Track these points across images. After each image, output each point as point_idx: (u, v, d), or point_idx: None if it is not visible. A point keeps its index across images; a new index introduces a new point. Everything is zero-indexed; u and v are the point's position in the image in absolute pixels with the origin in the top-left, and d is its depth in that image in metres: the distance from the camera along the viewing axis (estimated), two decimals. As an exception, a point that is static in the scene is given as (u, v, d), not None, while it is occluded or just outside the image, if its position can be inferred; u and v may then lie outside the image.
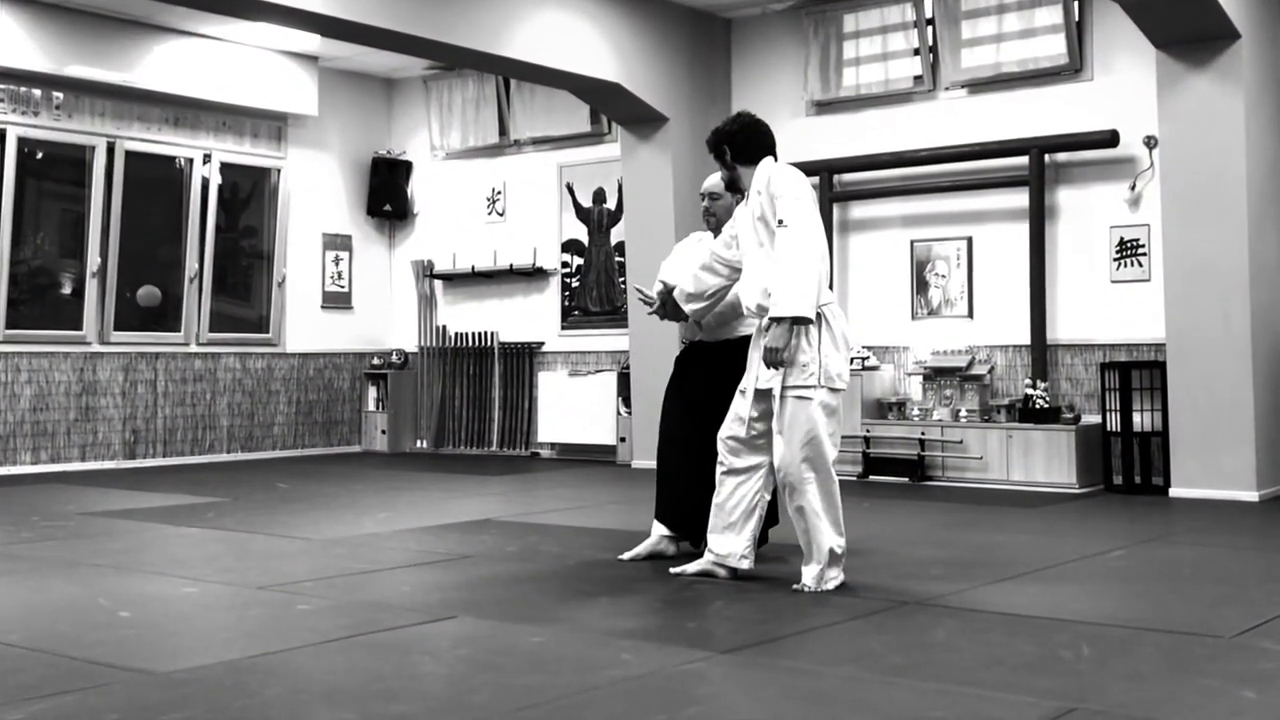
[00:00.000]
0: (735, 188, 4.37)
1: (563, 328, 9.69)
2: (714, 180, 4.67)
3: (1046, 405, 7.31)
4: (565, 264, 9.68)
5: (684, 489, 4.65)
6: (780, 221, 4.03)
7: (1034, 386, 7.39)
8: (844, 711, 2.73)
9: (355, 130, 10.41)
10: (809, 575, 4.09)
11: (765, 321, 4.14)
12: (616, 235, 9.37)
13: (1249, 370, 6.62)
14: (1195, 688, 2.89)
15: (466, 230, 10.19)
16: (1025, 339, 7.73)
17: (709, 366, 4.71)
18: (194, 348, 9.36)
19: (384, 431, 10.22)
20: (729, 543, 4.26)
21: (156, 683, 2.94)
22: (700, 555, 4.43)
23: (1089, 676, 2.98)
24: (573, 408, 9.28)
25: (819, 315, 4.11)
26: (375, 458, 9.76)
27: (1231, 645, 3.31)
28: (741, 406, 4.25)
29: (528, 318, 9.87)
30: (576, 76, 7.87)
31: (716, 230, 4.64)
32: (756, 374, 4.19)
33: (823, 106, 8.61)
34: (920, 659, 3.16)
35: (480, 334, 10.07)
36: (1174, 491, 6.78)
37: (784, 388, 4.07)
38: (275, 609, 3.81)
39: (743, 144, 4.29)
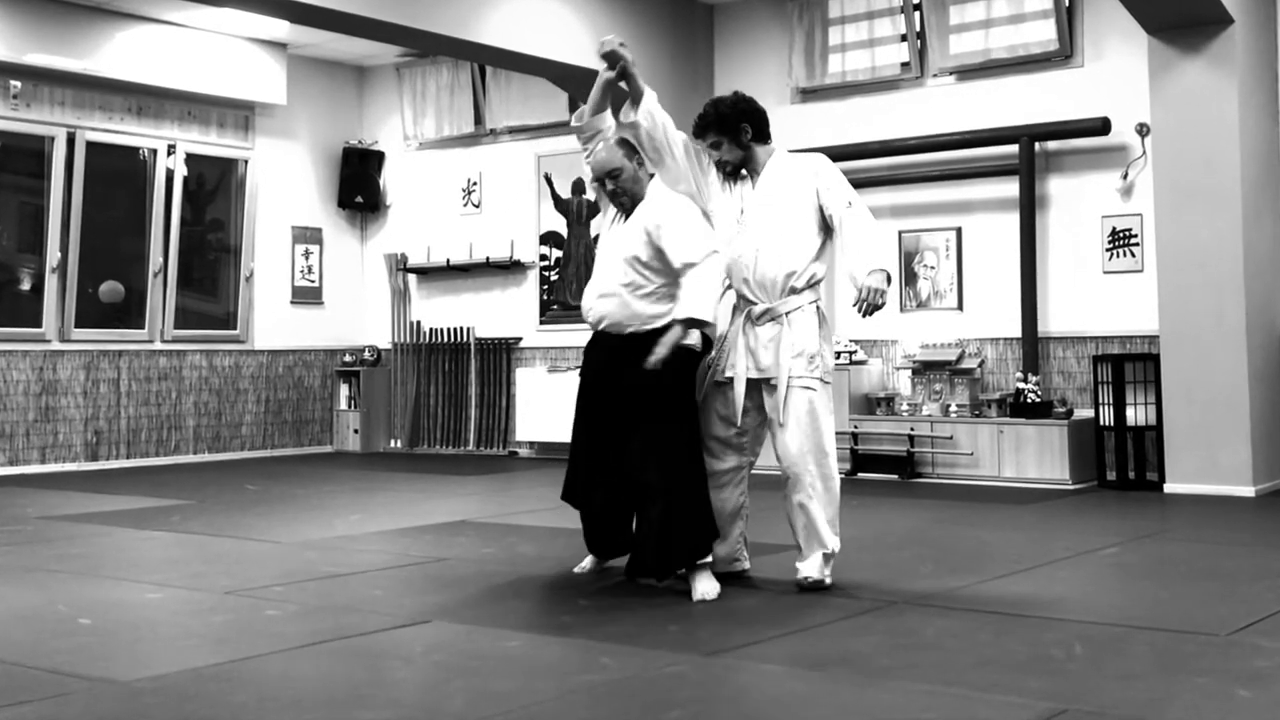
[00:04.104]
0: (740, 168, 4.14)
1: (541, 322, 9.56)
2: (606, 156, 4.11)
3: (1038, 399, 7.24)
4: (544, 257, 9.55)
5: (601, 512, 4.20)
6: (849, 204, 4.04)
7: (1025, 380, 7.31)
8: (831, 714, 2.71)
9: (325, 120, 10.24)
10: (811, 566, 3.99)
11: (860, 281, 3.94)
12: (596, 227, 9.22)
13: (1244, 363, 6.57)
14: (1189, 687, 2.86)
15: (441, 222, 10.04)
16: (1016, 332, 7.65)
17: (623, 365, 4.03)
18: (158, 345, 9.19)
19: (356, 431, 10.09)
20: (717, 549, 4.13)
21: (118, 692, 2.89)
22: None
23: (1081, 676, 2.95)
24: (552, 405, 9.13)
25: (818, 309, 4.08)
26: (348, 458, 9.64)
27: (1226, 643, 3.28)
28: (729, 399, 4.08)
29: (505, 312, 9.73)
30: (554, 63, 7.73)
31: (630, 209, 4.11)
32: (747, 364, 4.04)
33: (808, 94, 8.51)
34: (909, 660, 3.13)
35: (456, 329, 9.93)
36: (1168, 487, 6.72)
37: (791, 378, 3.97)
38: (243, 614, 3.75)
39: (760, 123, 4.15)
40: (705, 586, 3.91)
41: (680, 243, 3.94)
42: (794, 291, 4.02)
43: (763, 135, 4.14)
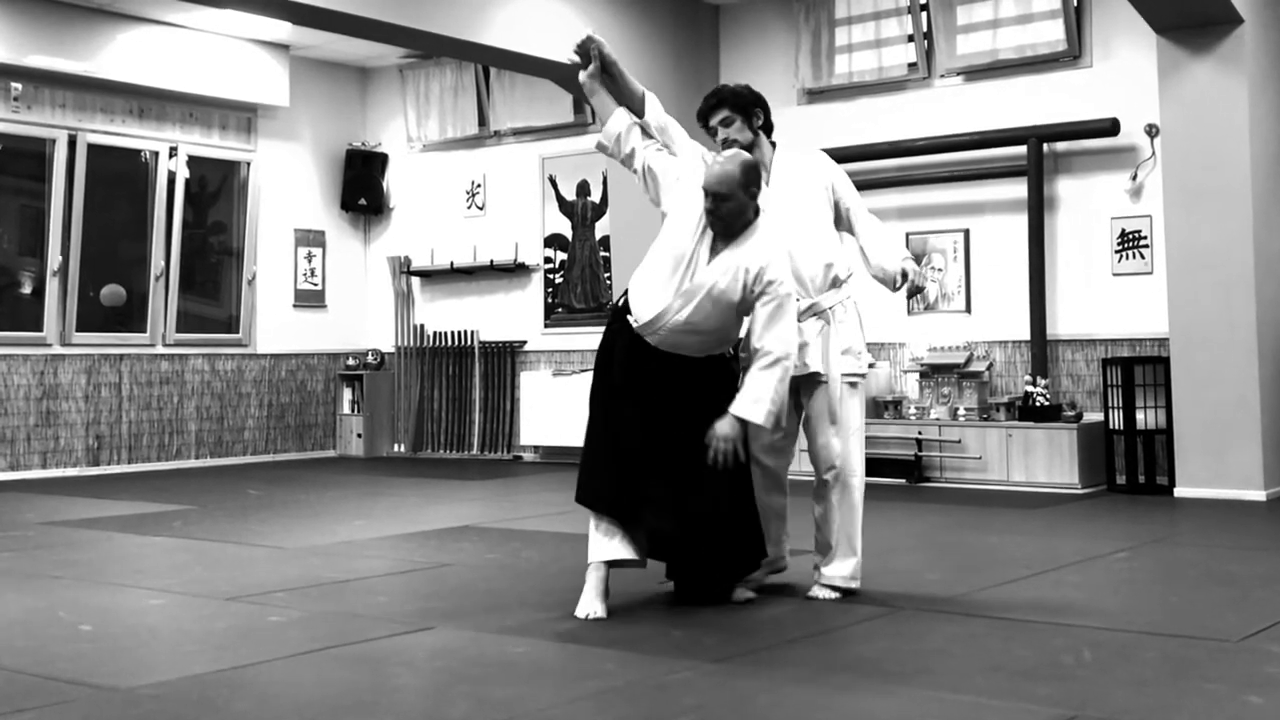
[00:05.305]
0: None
1: (546, 326, 9.51)
2: (720, 175, 3.70)
3: (1047, 403, 7.18)
4: (548, 259, 9.51)
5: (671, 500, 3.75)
6: (856, 201, 4.13)
7: (1034, 383, 7.26)
8: (837, 720, 2.69)
9: (328, 121, 10.20)
10: (840, 574, 3.93)
11: (886, 274, 4.04)
12: (601, 229, 9.20)
13: (1255, 365, 6.52)
14: (1199, 693, 2.84)
15: (445, 225, 10.00)
16: (1025, 334, 7.59)
17: (676, 374, 3.79)
18: (160, 349, 9.14)
19: (360, 435, 10.04)
20: (769, 550, 4.04)
21: (119, 699, 2.87)
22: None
23: (1090, 682, 2.94)
24: (557, 409, 9.08)
25: (854, 305, 4.09)
26: (351, 462, 9.60)
27: (1237, 649, 3.25)
28: None
29: (509, 315, 9.68)
30: (559, 65, 7.64)
31: (724, 236, 3.75)
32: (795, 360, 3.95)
33: (814, 95, 8.45)
34: (916, 666, 3.12)
35: (460, 333, 9.88)
36: (1179, 491, 6.67)
37: (841, 376, 3.95)
38: (245, 621, 3.72)
39: (769, 116, 4.11)
40: (738, 591, 3.94)
41: (767, 325, 3.67)
42: (835, 284, 3.99)
43: (769, 128, 4.13)
